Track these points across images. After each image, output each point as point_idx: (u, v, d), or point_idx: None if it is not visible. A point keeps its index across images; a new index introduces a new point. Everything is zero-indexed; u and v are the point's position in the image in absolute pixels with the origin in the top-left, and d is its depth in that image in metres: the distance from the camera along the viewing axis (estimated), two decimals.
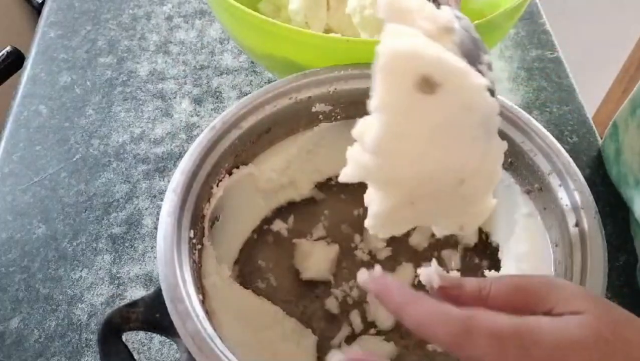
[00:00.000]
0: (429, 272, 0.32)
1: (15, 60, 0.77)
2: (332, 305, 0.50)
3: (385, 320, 0.48)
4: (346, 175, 0.34)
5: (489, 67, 0.34)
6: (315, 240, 0.52)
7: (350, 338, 0.48)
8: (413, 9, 0.34)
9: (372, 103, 0.31)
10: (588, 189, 0.43)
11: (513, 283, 0.30)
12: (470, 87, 0.30)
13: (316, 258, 0.50)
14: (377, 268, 0.32)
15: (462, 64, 0.31)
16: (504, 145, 0.34)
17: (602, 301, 0.29)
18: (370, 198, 0.36)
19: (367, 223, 0.35)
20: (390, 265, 0.51)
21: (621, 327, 0.27)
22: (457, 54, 0.33)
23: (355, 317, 0.49)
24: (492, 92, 0.33)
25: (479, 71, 0.33)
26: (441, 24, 0.34)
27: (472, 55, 0.33)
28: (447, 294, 0.31)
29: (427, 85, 0.30)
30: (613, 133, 0.58)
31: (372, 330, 0.48)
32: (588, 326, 0.27)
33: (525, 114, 0.48)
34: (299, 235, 0.52)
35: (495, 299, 0.29)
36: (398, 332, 0.48)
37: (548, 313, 0.28)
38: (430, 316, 0.28)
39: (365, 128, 0.32)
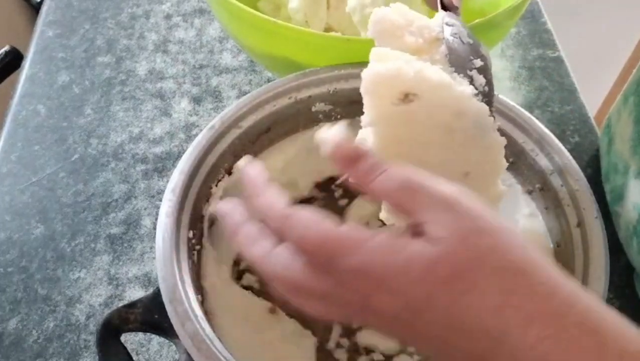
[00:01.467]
0: (328, 134, 0.30)
1: (14, 60, 0.76)
2: None
3: None
4: None
5: (481, 70, 0.35)
6: None
7: (350, 333, 0.48)
8: (402, 26, 0.36)
9: (364, 120, 0.34)
10: (590, 189, 0.43)
11: (400, 183, 0.28)
12: (455, 97, 0.32)
13: None
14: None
15: (443, 77, 0.33)
16: (502, 139, 0.36)
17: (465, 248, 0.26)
18: None
19: (382, 215, 0.36)
20: None
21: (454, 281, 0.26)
22: (444, 64, 0.35)
23: None
24: (486, 94, 0.34)
25: (470, 77, 0.34)
26: (429, 37, 0.36)
27: (462, 62, 0.35)
28: (342, 158, 0.29)
29: (410, 97, 0.33)
30: (606, 126, 0.58)
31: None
32: (417, 259, 0.26)
33: (526, 113, 0.47)
34: None
35: (381, 184, 0.29)
36: None
37: (417, 226, 0.27)
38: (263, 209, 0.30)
39: (364, 138, 0.35)
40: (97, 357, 0.40)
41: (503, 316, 0.25)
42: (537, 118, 0.48)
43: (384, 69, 0.32)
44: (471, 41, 0.36)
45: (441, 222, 0.27)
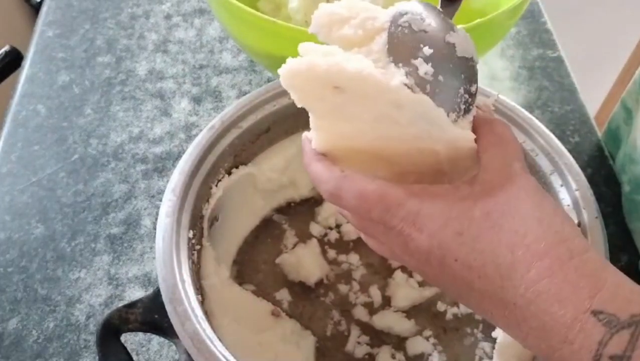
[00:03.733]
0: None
1: (14, 60, 0.76)
2: (333, 301, 0.49)
3: (401, 299, 0.48)
4: None
5: (429, 59, 0.32)
6: (292, 247, 0.52)
7: (369, 314, 0.48)
8: (342, 19, 0.34)
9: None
10: (590, 189, 0.43)
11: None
12: (378, 87, 0.31)
13: (307, 261, 0.49)
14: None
15: (362, 67, 0.31)
16: (469, 135, 0.33)
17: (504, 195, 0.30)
18: None
19: None
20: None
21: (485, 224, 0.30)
22: (382, 54, 0.33)
23: (375, 291, 0.49)
24: (439, 84, 0.32)
25: (414, 66, 0.32)
26: (372, 27, 0.34)
27: (405, 51, 0.33)
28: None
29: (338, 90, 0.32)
30: (626, 117, 0.58)
31: (390, 308, 0.48)
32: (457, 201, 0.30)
33: (526, 114, 0.47)
34: (299, 235, 0.52)
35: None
36: (416, 310, 0.48)
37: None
38: (315, 175, 0.34)
39: (312, 136, 0.36)
40: (97, 357, 0.40)
41: (514, 253, 0.29)
42: (537, 118, 0.48)
43: (297, 63, 0.31)
44: (427, 30, 0.33)
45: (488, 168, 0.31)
